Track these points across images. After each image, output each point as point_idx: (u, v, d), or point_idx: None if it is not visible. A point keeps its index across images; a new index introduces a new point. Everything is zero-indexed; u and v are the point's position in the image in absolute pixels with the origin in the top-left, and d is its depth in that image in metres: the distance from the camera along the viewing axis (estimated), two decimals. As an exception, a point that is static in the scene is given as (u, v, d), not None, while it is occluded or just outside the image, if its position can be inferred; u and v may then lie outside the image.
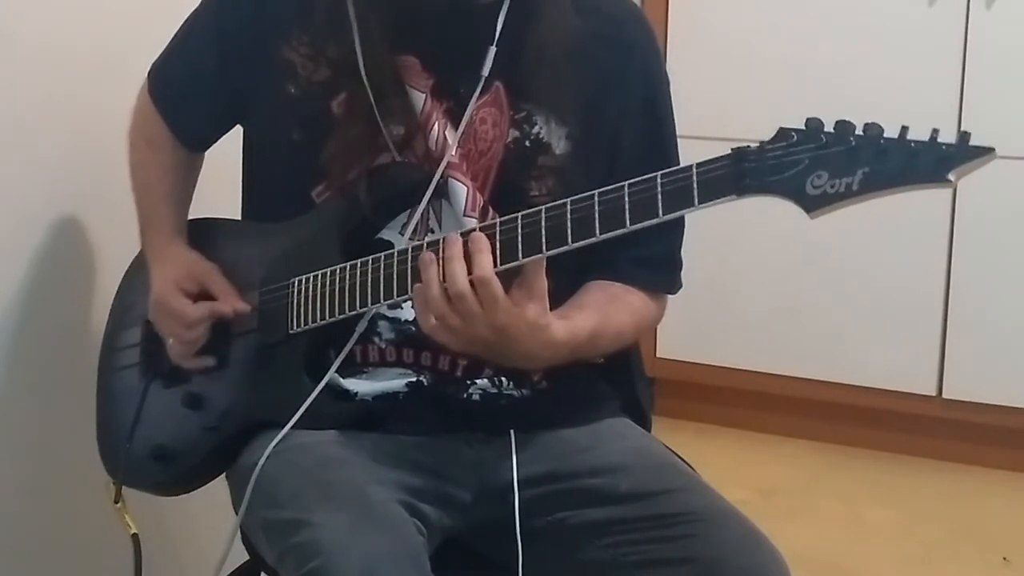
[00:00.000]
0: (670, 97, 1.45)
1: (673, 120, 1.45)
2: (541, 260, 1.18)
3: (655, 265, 1.42)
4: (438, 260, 1.20)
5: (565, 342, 1.26)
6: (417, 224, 1.35)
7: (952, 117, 2.82)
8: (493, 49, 1.33)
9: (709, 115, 2.78)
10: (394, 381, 1.37)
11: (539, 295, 1.20)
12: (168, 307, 1.45)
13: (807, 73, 2.95)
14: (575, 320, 1.30)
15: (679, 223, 1.42)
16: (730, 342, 3.19)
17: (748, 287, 3.15)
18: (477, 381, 1.38)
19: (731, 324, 3.18)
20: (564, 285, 1.33)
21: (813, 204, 1.04)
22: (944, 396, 2.96)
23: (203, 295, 1.44)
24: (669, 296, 1.47)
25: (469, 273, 1.18)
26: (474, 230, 1.20)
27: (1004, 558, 2.53)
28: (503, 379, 1.39)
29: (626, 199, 1.12)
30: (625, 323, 1.38)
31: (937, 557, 2.56)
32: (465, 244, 1.19)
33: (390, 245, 1.33)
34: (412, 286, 1.23)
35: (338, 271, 1.32)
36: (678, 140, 1.45)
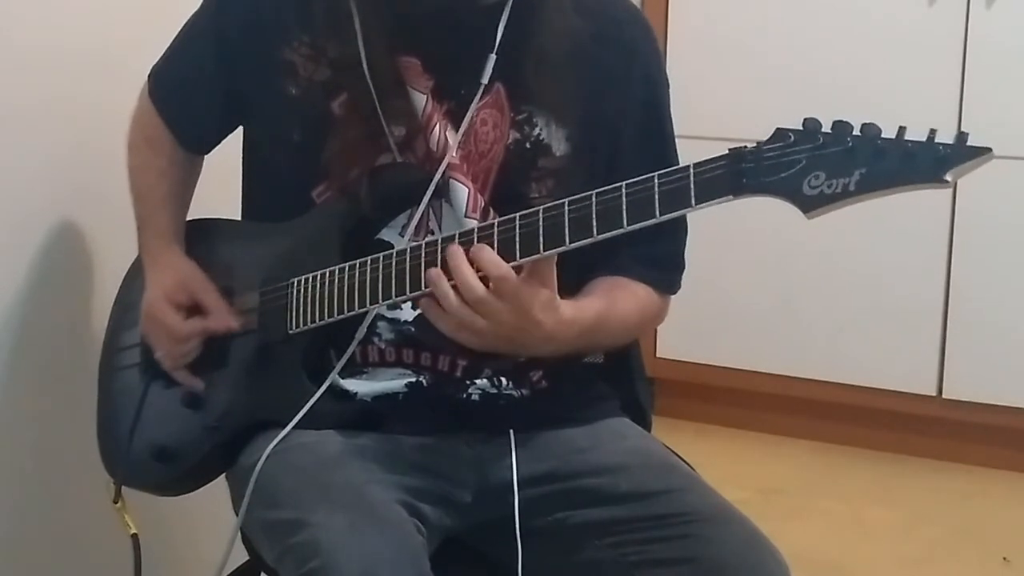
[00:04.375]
0: (669, 99, 1.45)
1: (672, 121, 1.45)
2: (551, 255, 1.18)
3: (658, 264, 1.42)
4: (446, 268, 1.19)
5: (573, 319, 1.25)
6: (417, 225, 1.35)
7: (952, 117, 2.82)
8: (493, 57, 1.33)
9: (709, 115, 2.78)
10: (394, 381, 1.37)
11: (550, 283, 1.20)
12: (158, 321, 1.45)
13: (807, 73, 2.95)
14: (581, 301, 1.30)
15: (682, 224, 1.43)
16: (730, 342, 3.19)
17: (748, 287, 3.15)
18: (476, 381, 1.38)
19: (731, 324, 3.18)
20: (569, 284, 1.33)
21: (810, 204, 1.04)
22: (944, 396, 2.96)
23: (196, 308, 1.44)
24: (670, 297, 1.47)
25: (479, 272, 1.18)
26: (472, 231, 1.20)
27: (1004, 558, 2.53)
28: (502, 379, 1.39)
29: (623, 199, 1.12)
30: (630, 310, 1.38)
31: (937, 557, 2.56)
32: (466, 252, 1.19)
33: (390, 246, 1.33)
34: (420, 287, 1.23)
35: (337, 271, 1.32)
36: (677, 140, 1.45)
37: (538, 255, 1.17)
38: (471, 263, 1.18)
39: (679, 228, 1.43)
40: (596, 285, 1.38)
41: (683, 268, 1.46)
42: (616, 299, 1.36)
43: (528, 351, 1.26)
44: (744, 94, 3.03)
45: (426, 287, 1.22)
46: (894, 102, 2.77)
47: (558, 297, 1.22)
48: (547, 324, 1.21)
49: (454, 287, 1.18)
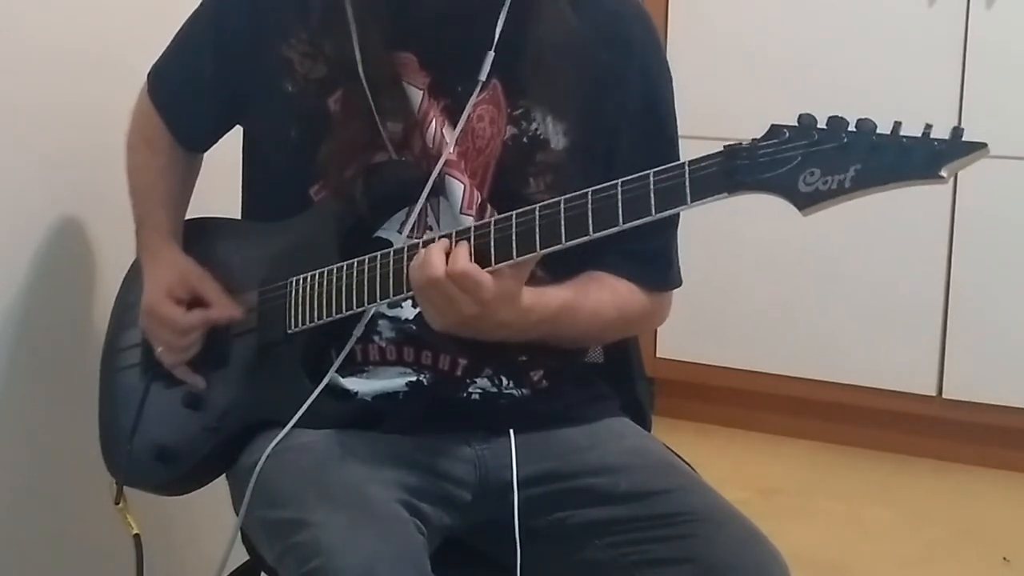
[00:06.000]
0: (672, 95, 1.44)
1: (675, 118, 1.44)
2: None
3: (645, 260, 1.41)
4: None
5: (531, 306, 1.26)
6: (415, 222, 1.35)
7: (951, 117, 2.83)
8: (491, 55, 1.33)
9: (709, 115, 2.77)
10: (394, 380, 1.37)
11: (521, 273, 1.21)
12: (159, 315, 1.45)
13: (807, 73, 2.95)
14: (545, 289, 1.30)
15: (671, 222, 1.41)
16: (730, 342, 3.19)
17: (748, 287, 3.15)
18: (477, 380, 1.38)
19: (731, 324, 3.18)
20: (558, 281, 1.33)
21: (806, 201, 1.03)
22: (944, 396, 2.96)
23: (196, 301, 1.44)
24: (666, 295, 1.47)
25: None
26: (469, 229, 1.21)
27: (1004, 558, 2.53)
28: (503, 379, 1.39)
29: (619, 197, 1.12)
30: (604, 301, 1.37)
31: (937, 557, 2.56)
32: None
33: (388, 244, 1.33)
34: (407, 288, 1.24)
35: (336, 270, 1.32)
36: (679, 139, 1.44)
37: (534, 253, 1.17)
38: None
39: (667, 224, 1.41)
40: (574, 279, 1.37)
41: (672, 264, 1.45)
42: (588, 291, 1.36)
43: (482, 335, 1.27)
44: (744, 94, 3.03)
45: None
46: (894, 102, 2.77)
47: (522, 286, 1.23)
48: (502, 312, 1.22)
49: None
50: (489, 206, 1.35)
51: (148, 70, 1.54)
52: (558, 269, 1.33)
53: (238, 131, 1.51)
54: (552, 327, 1.32)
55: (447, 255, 1.19)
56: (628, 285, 1.40)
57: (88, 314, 1.72)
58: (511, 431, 1.36)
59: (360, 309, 1.30)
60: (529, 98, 1.36)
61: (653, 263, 1.43)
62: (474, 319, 1.21)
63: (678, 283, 1.46)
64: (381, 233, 1.36)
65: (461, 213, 1.34)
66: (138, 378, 1.51)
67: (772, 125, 1.07)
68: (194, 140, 1.54)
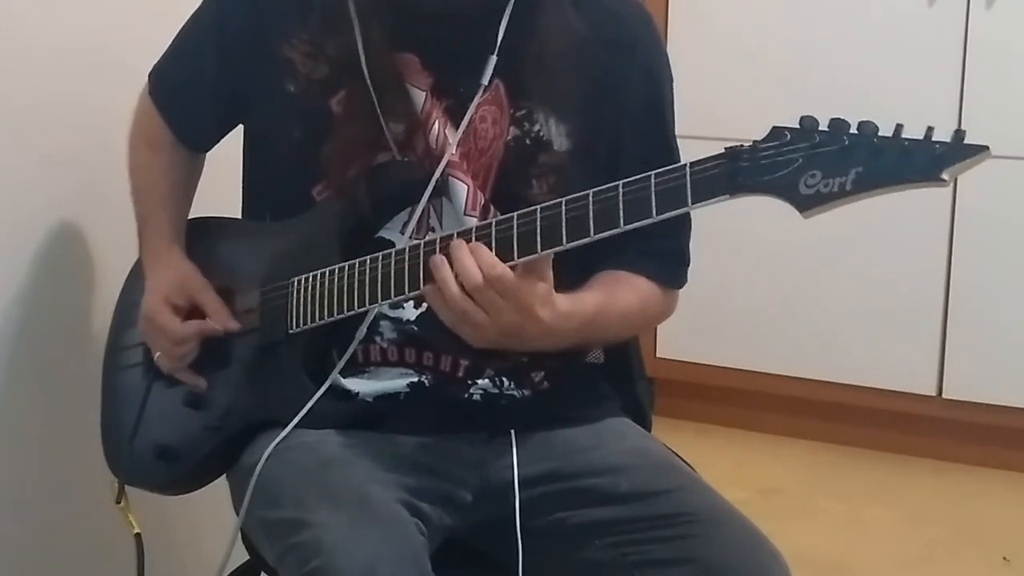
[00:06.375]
0: (672, 93, 1.45)
1: (673, 117, 1.44)
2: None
3: (660, 258, 1.41)
4: (449, 260, 1.19)
5: (570, 312, 1.25)
6: (417, 223, 1.35)
7: (951, 117, 2.83)
8: (494, 59, 1.33)
9: (709, 115, 2.77)
10: (395, 381, 1.37)
11: (546, 278, 1.21)
12: (156, 324, 1.45)
13: (807, 73, 2.95)
14: (579, 294, 1.31)
15: (685, 219, 1.42)
16: (730, 342, 3.19)
17: (748, 287, 3.15)
18: (478, 381, 1.38)
19: (731, 324, 3.18)
20: (572, 279, 1.33)
21: (806, 204, 1.03)
22: (944, 396, 2.96)
23: (194, 310, 1.45)
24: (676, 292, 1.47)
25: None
26: (470, 230, 1.20)
27: (1004, 558, 2.53)
28: (504, 379, 1.39)
29: (620, 199, 1.12)
30: (632, 302, 1.38)
31: (937, 557, 2.56)
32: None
33: (391, 244, 1.33)
34: (420, 285, 1.23)
35: (337, 270, 1.32)
36: (678, 140, 1.44)
37: (535, 255, 1.17)
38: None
39: (682, 223, 1.42)
40: (596, 279, 1.38)
41: (687, 263, 1.46)
42: (616, 293, 1.37)
43: (527, 346, 1.27)
44: (744, 94, 3.03)
45: (427, 283, 1.22)
46: (894, 102, 2.77)
47: (554, 291, 1.23)
48: (545, 319, 1.21)
49: (455, 277, 1.18)
50: (492, 207, 1.35)
51: (148, 70, 1.54)
52: (575, 269, 1.32)
53: (238, 131, 1.51)
54: (590, 332, 1.32)
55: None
56: (649, 284, 1.41)
57: (88, 314, 1.72)
58: (512, 431, 1.37)
59: (362, 310, 1.30)
60: (532, 99, 1.36)
61: (669, 261, 1.43)
62: (515, 327, 1.20)
63: (686, 280, 1.47)
64: (383, 233, 1.36)
65: (465, 214, 1.34)
66: (140, 377, 1.51)
67: (774, 127, 1.06)
68: (196, 140, 1.54)
